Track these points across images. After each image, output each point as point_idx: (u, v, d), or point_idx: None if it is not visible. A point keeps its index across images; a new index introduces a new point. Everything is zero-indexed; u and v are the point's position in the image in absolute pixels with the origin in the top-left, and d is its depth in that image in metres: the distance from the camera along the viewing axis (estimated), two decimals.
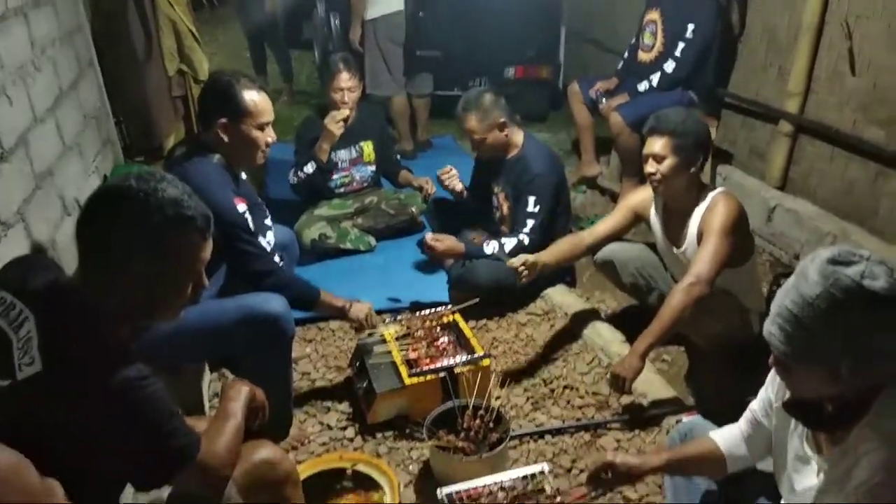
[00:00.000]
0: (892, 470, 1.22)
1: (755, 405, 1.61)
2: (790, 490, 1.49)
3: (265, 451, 1.46)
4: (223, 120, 2.16)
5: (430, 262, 3.43)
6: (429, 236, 3.00)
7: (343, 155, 3.63)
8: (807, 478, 1.43)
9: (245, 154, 2.24)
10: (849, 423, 1.31)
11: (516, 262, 2.56)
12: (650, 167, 2.44)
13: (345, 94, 3.47)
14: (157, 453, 1.23)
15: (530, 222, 2.99)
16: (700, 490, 1.74)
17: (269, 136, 2.26)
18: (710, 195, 2.44)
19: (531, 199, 3.00)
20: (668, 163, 2.39)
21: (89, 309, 1.22)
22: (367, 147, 3.68)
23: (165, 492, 1.38)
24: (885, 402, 1.27)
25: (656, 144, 2.41)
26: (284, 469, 1.47)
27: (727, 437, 1.65)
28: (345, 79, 3.46)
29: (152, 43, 3.73)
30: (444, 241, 2.98)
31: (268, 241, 2.34)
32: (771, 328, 1.33)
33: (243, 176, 2.40)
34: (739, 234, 2.39)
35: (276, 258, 2.25)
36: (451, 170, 3.32)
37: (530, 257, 2.59)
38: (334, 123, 3.38)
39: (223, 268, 2.31)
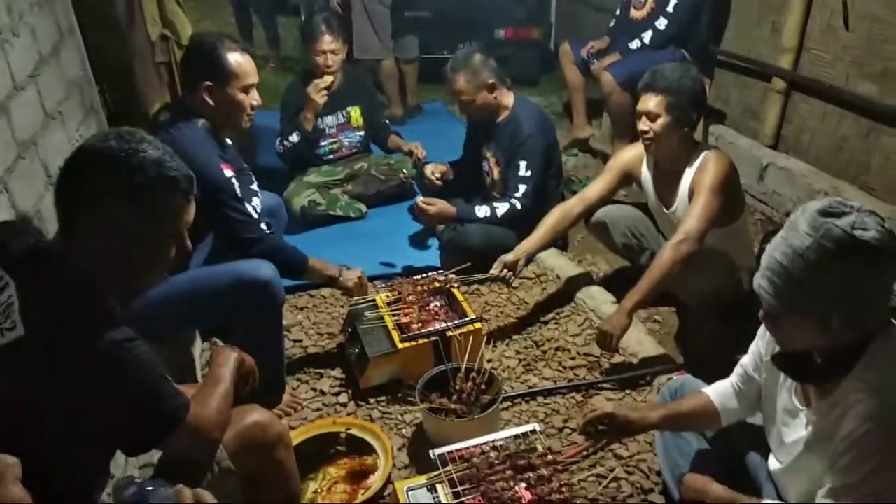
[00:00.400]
0: (880, 420, 1.23)
1: (746, 360, 1.61)
2: (779, 443, 1.51)
3: (255, 414, 1.46)
4: (207, 83, 2.12)
5: (422, 228, 3.41)
6: (420, 200, 2.98)
7: (330, 121, 3.58)
8: (795, 430, 1.44)
9: (230, 118, 2.21)
10: (837, 376, 1.31)
11: (494, 270, 2.56)
12: (643, 125, 2.40)
13: (328, 57, 3.39)
14: (146, 416, 1.23)
15: (522, 187, 2.96)
16: (692, 447, 1.76)
17: (254, 98, 2.23)
18: (702, 154, 2.41)
19: (522, 164, 2.96)
20: (662, 121, 2.35)
21: (71, 271, 1.20)
22: (355, 112, 3.62)
23: (156, 456, 1.38)
24: (873, 354, 1.28)
25: (650, 102, 2.37)
26: (276, 431, 1.47)
27: (720, 392, 1.66)
28: (327, 41, 3.38)
29: (133, 8, 3.63)
30: (436, 205, 2.96)
31: (254, 206, 2.32)
32: (761, 281, 1.33)
33: (229, 141, 2.37)
34: (730, 192, 2.38)
35: (263, 225, 2.22)
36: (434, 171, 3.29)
37: (508, 256, 2.58)
38: (317, 93, 3.32)
39: (210, 236, 2.29)
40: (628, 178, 2.70)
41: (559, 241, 3.24)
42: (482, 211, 2.95)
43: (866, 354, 1.28)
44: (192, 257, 2.21)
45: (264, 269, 2.01)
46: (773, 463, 1.54)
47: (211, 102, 2.14)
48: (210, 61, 2.12)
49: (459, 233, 2.98)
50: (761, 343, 1.56)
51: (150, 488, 1.20)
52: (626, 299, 2.33)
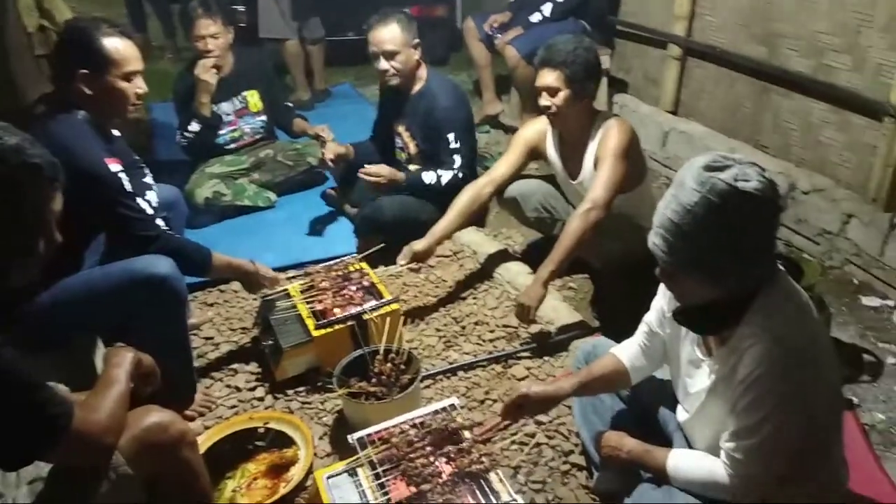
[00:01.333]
0: (772, 361, 1.28)
1: (649, 317, 1.65)
2: (685, 394, 1.55)
3: (154, 415, 1.38)
4: (84, 71, 1.97)
5: (335, 214, 3.34)
6: (368, 169, 2.88)
7: (226, 108, 3.42)
8: (699, 380, 1.49)
9: (113, 108, 2.07)
10: (733, 324, 1.36)
11: (402, 260, 2.53)
12: (544, 100, 2.42)
13: (207, 41, 3.22)
14: (21, 427, 1.14)
15: (457, 157, 2.92)
16: (606, 406, 1.80)
17: (139, 86, 2.09)
18: (604, 123, 2.45)
19: (451, 136, 2.92)
20: (562, 95, 2.38)
21: None
22: (253, 97, 3.47)
23: (46, 470, 1.28)
24: (764, 300, 1.33)
25: (548, 77, 2.38)
26: (177, 430, 1.40)
27: (628, 351, 1.70)
28: (204, 25, 3.21)
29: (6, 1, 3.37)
30: (382, 172, 2.87)
31: (148, 200, 2.20)
32: (655, 239, 1.36)
33: (117, 133, 2.23)
34: (632, 157, 2.43)
35: (160, 221, 2.09)
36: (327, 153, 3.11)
37: (419, 245, 2.56)
38: (206, 71, 3.17)
39: (102, 236, 2.15)
40: (534, 152, 2.72)
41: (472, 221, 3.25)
42: (428, 177, 2.91)
43: (757, 300, 1.33)
44: (85, 259, 2.08)
45: (160, 264, 1.90)
46: (681, 413, 1.59)
47: (88, 92, 1.99)
48: (85, 47, 1.97)
49: (374, 209, 2.92)
50: (663, 299, 1.61)
51: None
52: (540, 270, 2.36)
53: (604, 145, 2.39)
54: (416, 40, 2.94)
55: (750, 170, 1.28)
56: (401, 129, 3.13)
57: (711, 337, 1.45)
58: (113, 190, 1.97)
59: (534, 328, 2.49)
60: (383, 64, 2.93)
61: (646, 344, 1.66)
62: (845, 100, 2.74)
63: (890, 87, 2.52)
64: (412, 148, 3.11)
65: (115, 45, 2.00)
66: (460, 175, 2.91)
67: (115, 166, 2.01)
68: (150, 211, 2.07)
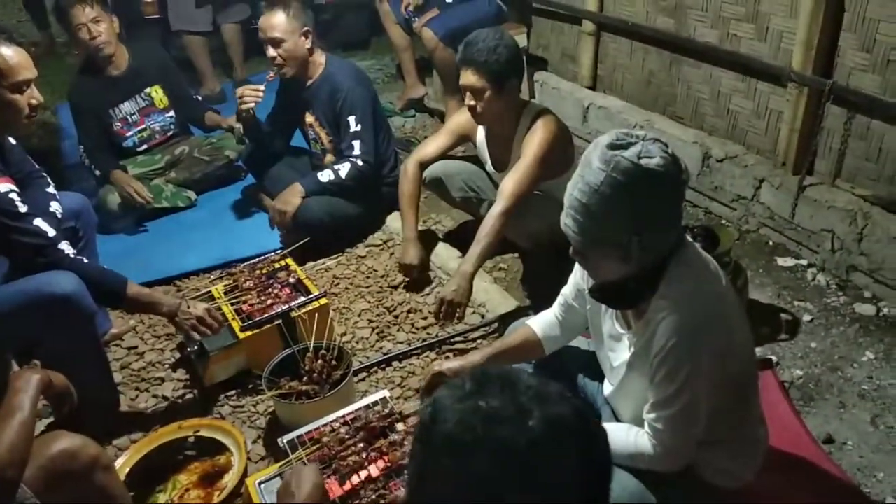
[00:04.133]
0: (683, 331, 1.31)
1: (566, 290, 1.69)
2: (609, 368, 1.58)
3: (62, 441, 1.32)
4: None
5: (258, 210, 3.25)
6: (272, 210, 2.84)
7: (128, 107, 3.25)
8: (621, 354, 1.51)
9: (5, 123, 1.94)
10: (648, 298, 1.39)
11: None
12: (468, 100, 2.41)
13: (89, 28, 2.99)
14: None
15: (357, 143, 2.87)
16: None
17: (34, 97, 1.95)
18: (530, 118, 2.43)
19: (351, 119, 2.87)
20: (488, 95, 2.36)
21: None
22: (157, 93, 3.30)
23: None
24: (672, 272, 1.36)
25: (470, 78, 2.35)
26: (88, 456, 1.33)
27: (542, 323, 1.73)
28: (80, 12, 2.98)
29: None
30: (283, 202, 2.81)
31: (53, 212, 2.08)
32: (566, 220, 1.37)
33: (13, 141, 2.10)
34: (559, 150, 2.43)
35: (64, 245, 1.91)
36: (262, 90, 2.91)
37: (406, 259, 2.67)
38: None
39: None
40: (465, 139, 2.73)
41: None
42: (325, 176, 2.85)
43: (667, 272, 1.36)
44: None
45: (63, 281, 1.79)
46: (607, 386, 1.62)
47: None
48: None
49: (302, 209, 2.85)
50: (580, 275, 1.63)
51: None
52: (464, 265, 2.32)
53: (528, 142, 2.39)
54: (306, 28, 2.86)
55: (653, 146, 1.29)
56: (310, 120, 3.06)
57: (629, 311, 1.48)
58: (2, 214, 1.82)
59: (467, 312, 2.49)
60: (271, 52, 2.86)
61: (561, 315, 1.70)
62: (751, 67, 2.83)
63: (791, 54, 2.61)
64: (325, 140, 3.05)
65: (2, 53, 1.87)
66: (360, 163, 2.86)
67: (4, 185, 1.87)
68: (50, 232, 1.90)
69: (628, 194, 1.27)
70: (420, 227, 3.03)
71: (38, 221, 1.88)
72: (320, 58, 2.98)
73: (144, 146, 3.35)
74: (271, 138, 3.16)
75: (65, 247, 1.90)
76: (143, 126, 3.33)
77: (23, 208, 1.86)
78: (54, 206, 2.12)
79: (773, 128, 2.82)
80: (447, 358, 2.33)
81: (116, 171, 3.12)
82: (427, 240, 2.92)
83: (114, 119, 3.22)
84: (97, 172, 3.16)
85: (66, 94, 4.79)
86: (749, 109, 2.91)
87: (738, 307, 1.46)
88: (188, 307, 2.06)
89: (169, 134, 3.40)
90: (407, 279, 2.71)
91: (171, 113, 3.38)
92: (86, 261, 1.96)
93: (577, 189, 1.32)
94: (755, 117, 2.90)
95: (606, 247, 1.33)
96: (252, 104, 2.89)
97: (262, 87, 2.89)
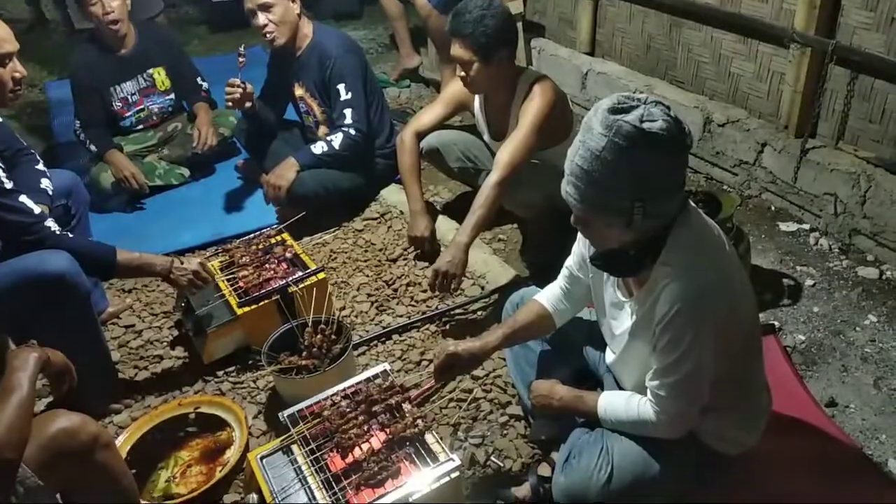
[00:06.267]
0: (686, 298, 1.29)
1: (570, 261, 1.65)
2: (611, 336, 1.57)
3: (61, 420, 1.30)
4: None
5: (253, 186, 3.21)
6: (266, 185, 2.78)
7: (130, 87, 3.19)
8: (623, 322, 1.49)
9: None
10: (649, 265, 1.36)
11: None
12: (459, 71, 2.36)
13: (103, 2, 2.91)
14: None
15: (349, 112, 2.82)
16: (536, 353, 1.80)
17: (16, 70, 1.91)
18: (527, 85, 2.38)
19: (341, 87, 2.82)
20: (476, 67, 2.30)
21: None
22: (159, 74, 3.24)
23: None
24: (675, 239, 1.33)
25: (459, 49, 2.30)
26: (88, 434, 1.32)
27: (550, 296, 1.70)
28: None
29: None
30: (279, 174, 2.76)
31: (44, 189, 2.05)
32: (567, 188, 1.34)
33: None
34: (556, 117, 2.37)
35: (50, 222, 1.87)
36: (238, 84, 2.85)
37: (415, 231, 2.63)
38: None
39: None
40: (462, 107, 2.68)
41: (396, 175, 3.16)
42: (318, 148, 2.81)
43: (670, 238, 1.33)
44: None
45: (55, 260, 1.76)
46: (609, 355, 1.60)
47: None
48: None
49: (297, 183, 2.81)
50: (583, 244, 1.60)
51: None
52: (459, 236, 2.29)
53: (525, 109, 2.34)
54: None
55: (655, 109, 1.26)
56: (300, 92, 3.01)
57: (631, 279, 1.46)
58: None
59: (465, 283, 2.47)
60: (261, 18, 2.77)
61: (567, 287, 1.67)
62: (752, 29, 2.77)
63: (793, 14, 2.55)
64: (317, 111, 3.00)
65: None
66: (353, 132, 2.82)
67: None
68: (36, 210, 1.85)
69: (630, 160, 1.23)
70: None
71: (24, 198, 1.83)
72: (308, 27, 2.92)
73: (140, 127, 3.30)
74: (265, 113, 3.10)
75: (50, 223, 1.86)
76: (141, 106, 3.26)
77: (8, 184, 1.81)
78: (45, 183, 2.09)
79: (775, 90, 2.77)
80: (447, 329, 2.33)
81: (113, 152, 3.06)
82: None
83: (115, 98, 3.16)
84: (92, 148, 3.10)
85: (54, 71, 4.71)
86: (750, 72, 2.86)
87: (742, 273, 1.44)
88: (181, 263, 2.07)
89: (165, 116, 3.35)
90: (418, 251, 2.67)
91: (171, 95, 3.32)
92: (71, 236, 1.93)
93: (578, 155, 1.28)
94: (757, 80, 2.84)
95: (609, 214, 1.30)
96: (237, 95, 2.83)
97: (237, 81, 2.83)
